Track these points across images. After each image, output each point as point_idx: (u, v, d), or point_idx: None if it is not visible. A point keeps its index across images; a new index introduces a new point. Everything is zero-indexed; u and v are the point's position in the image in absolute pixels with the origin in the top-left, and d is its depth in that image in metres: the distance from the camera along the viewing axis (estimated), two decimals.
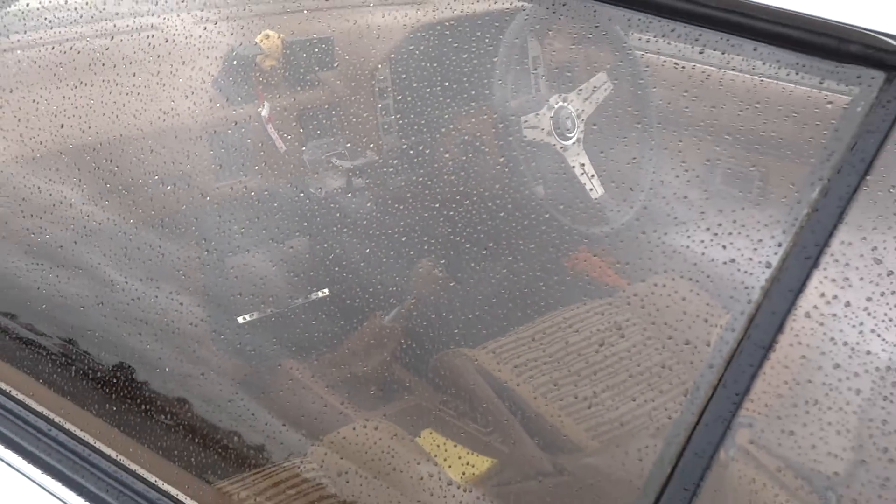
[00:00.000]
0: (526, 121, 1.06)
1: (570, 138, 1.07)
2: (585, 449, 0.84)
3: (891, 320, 0.49)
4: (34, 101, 0.95)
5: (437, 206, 0.92)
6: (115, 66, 0.98)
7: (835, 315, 0.49)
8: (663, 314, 0.75)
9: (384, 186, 1.07)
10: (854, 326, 0.49)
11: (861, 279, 0.50)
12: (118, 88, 0.97)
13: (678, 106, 0.97)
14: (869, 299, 0.49)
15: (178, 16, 1.02)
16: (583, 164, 1.05)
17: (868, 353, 0.46)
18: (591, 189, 1.04)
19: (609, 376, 0.82)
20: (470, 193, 0.92)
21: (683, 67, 0.88)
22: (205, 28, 1.04)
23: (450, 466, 0.79)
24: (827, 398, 0.50)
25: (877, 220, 0.51)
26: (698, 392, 0.54)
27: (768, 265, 0.52)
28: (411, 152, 1.08)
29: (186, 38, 1.00)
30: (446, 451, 0.80)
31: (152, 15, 1.02)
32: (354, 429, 0.81)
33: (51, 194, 0.94)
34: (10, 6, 0.98)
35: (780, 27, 0.56)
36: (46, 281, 0.89)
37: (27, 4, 0.99)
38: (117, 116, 0.96)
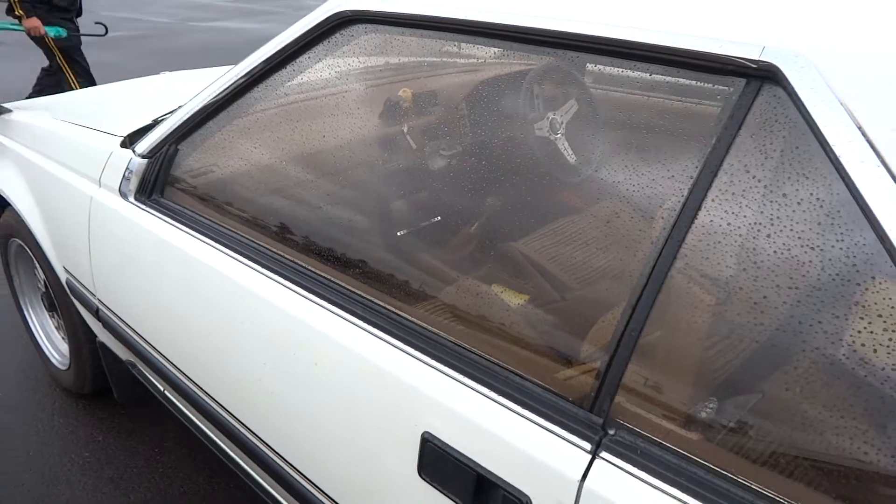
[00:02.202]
0: (538, 127, 1.89)
1: (559, 134, 1.89)
2: (575, 288, 1.29)
3: (738, 219, 0.71)
4: (299, 130, 1.73)
5: (495, 171, 1.43)
6: (330, 114, 1.84)
7: (712, 222, 0.73)
8: (610, 221, 1.12)
9: (467, 164, 1.67)
10: (719, 222, 0.73)
11: (724, 211, 0.73)
12: (332, 124, 1.82)
13: (613, 116, 1.73)
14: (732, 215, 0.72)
15: (358, 84, 1.87)
16: (565, 147, 1.86)
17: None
18: (571, 157, 1.86)
19: (583, 252, 1.37)
20: (511, 165, 1.46)
21: (614, 93, 1.62)
22: (372, 88, 1.92)
23: (508, 299, 1.19)
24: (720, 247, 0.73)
25: (731, 179, 0.74)
26: (641, 253, 0.80)
27: (671, 195, 0.79)
28: (479, 147, 1.62)
29: (363, 94, 1.88)
30: (506, 292, 1.21)
31: (343, 85, 1.73)
32: (466, 286, 1.24)
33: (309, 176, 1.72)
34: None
35: (677, 58, 0.79)
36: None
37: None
38: (334, 138, 1.80)
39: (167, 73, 2.88)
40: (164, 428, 2.11)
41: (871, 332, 0.65)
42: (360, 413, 1.02)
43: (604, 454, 0.76)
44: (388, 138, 1.81)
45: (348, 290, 1.11)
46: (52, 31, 4.21)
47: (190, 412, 1.62)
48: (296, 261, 1.22)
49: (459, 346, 0.95)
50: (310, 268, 1.19)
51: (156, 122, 1.72)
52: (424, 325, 1.00)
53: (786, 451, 0.72)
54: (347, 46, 1.22)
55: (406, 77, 1.94)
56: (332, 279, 1.15)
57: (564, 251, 1.43)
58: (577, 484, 0.76)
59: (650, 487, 0.72)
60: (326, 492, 1.13)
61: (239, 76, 1.31)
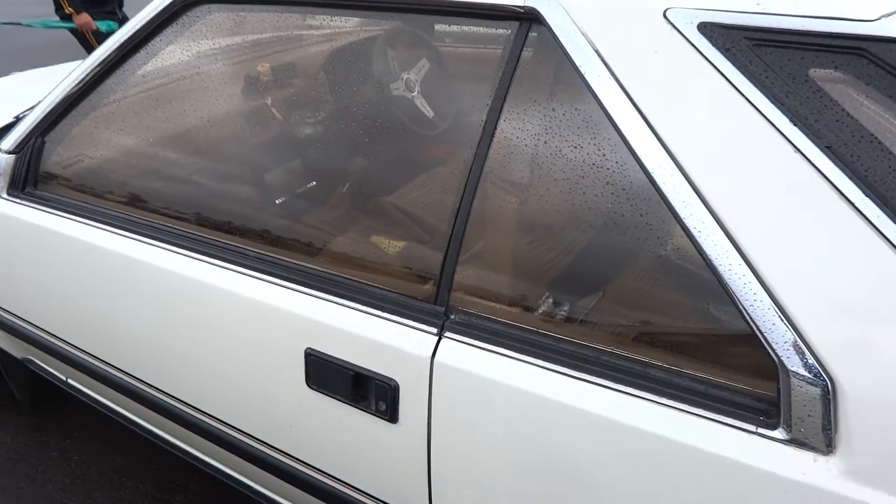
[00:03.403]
0: (394, 87, 2.05)
1: (415, 91, 2.05)
2: (430, 223, 1.34)
3: (524, 133, 0.94)
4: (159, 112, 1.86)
5: (360, 133, 1.55)
6: (193, 94, 1.93)
7: (506, 138, 0.92)
8: (449, 160, 1.44)
9: (333, 129, 1.80)
10: (511, 138, 0.93)
11: (514, 128, 0.93)
12: (195, 104, 1.92)
13: (448, 70, 1.92)
14: (520, 130, 0.94)
15: (216, 63, 1.97)
16: (422, 103, 2.03)
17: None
18: (428, 113, 2.04)
19: (436, 191, 1.53)
20: (374, 126, 1.59)
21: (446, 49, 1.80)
22: (231, 66, 2.03)
23: (387, 246, 1.30)
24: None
25: (516, 103, 0.92)
26: (461, 174, 0.97)
27: (476, 123, 0.95)
28: (342, 112, 1.79)
29: (223, 72, 1.98)
30: (385, 241, 1.31)
31: (202, 65, 1.91)
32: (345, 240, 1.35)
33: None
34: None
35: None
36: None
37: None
38: (200, 117, 1.90)
39: (18, 73, 2.83)
40: (71, 418, 2.16)
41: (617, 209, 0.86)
42: (251, 347, 1.17)
43: (447, 334, 0.96)
44: (253, 113, 1.91)
45: (229, 244, 1.24)
46: (103, 26, 4.21)
47: (96, 393, 1.71)
48: (175, 227, 1.33)
49: (329, 274, 1.12)
50: (192, 231, 1.30)
51: (18, 119, 1.75)
52: (297, 262, 1.16)
53: (591, 312, 0.94)
54: (196, 27, 1.33)
55: (263, 52, 2.04)
56: (215, 238, 1.27)
57: (432, 197, 1.58)
58: (429, 360, 0.95)
59: (484, 352, 0.93)
60: (233, 424, 1.28)
61: (95, 65, 1.39)
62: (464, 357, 0.94)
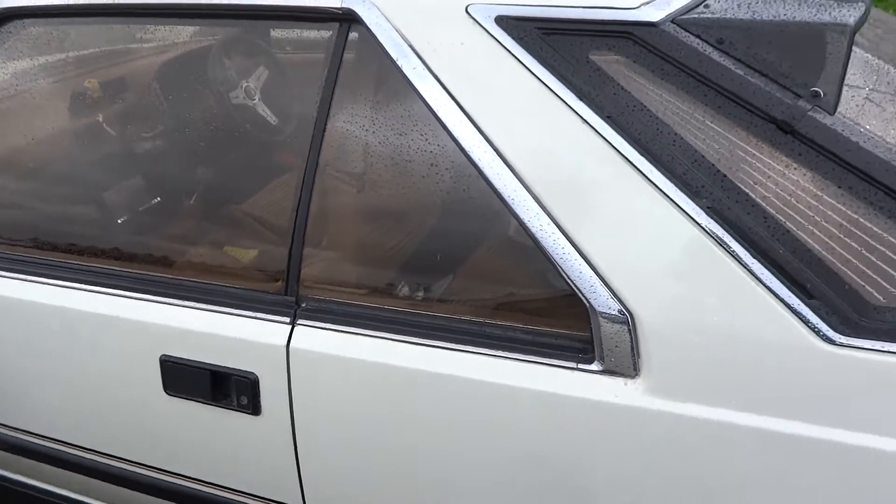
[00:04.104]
0: (233, 96, 2.06)
1: (256, 99, 2.07)
2: (278, 225, 1.26)
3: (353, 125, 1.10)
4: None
5: (202, 144, 1.58)
6: (16, 116, 1.82)
7: (337, 131, 0.98)
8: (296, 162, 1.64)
9: (173, 142, 1.77)
10: (342, 130, 1.12)
11: (343, 122, 1.02)
12: (14, 125, 1.81)
13: (288, 76, 1.96)
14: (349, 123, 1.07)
15: (39, 81, 1.87)
16: (264, 110, 2.06)
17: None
18: (271, 120, 2.07)
19: (283, 194, 1.44)
20: (217, 136, 1.62)
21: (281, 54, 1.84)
22: (56, 83, 1.93)
23: (239, 255, 1.30)
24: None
25: (343, 98, 0.99)
26: (298, 171, 1.02)
27: (310, 121, 1.00)
28: (182, 124, 1.77)
29: (47, 89, 1.89)
30: (239, 251, 1.30)
31: (25, 85, 1.82)
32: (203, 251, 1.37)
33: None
34: None
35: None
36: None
37: None
38: (18, 135, 1.80)
39: None
40: None
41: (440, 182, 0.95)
42: (107, 364, 1.15)
43: (300, 321, 1.01)
44: (84, 131, 1.84)
45: (72, 264, 1.21)
46: None
47: None
48: (9, 252, 1.27)
49: (181, 281, 1.12)
50: (29, 255, 1.25)
51: None
52: (148, 273, 1.15)
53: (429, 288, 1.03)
54: (11, 43, 1.28)
55: (90, 68, 1.97)
56: (55, 259, 1.23)
57: (280, 200, 1.63)
58: (285, 348, 0.99)
59: (336, 333, 0.99)
60: (101, 450, 1.24)
61: None
62: (317, 340, 0.99)
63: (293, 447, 1.04)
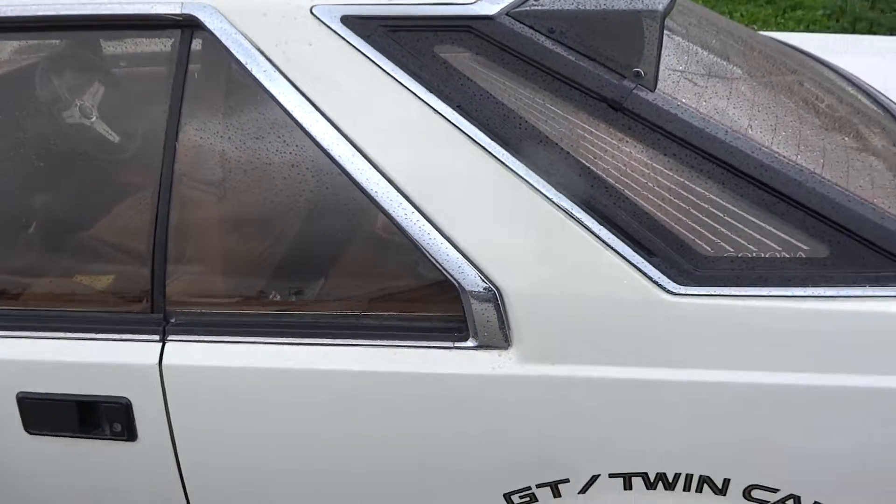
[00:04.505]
0: (68, 115, 1.93)
1: (93, 118, 1.96)
2: (135, 244, 1.20)
3: (207, 132, 1.15)
4: None
5: (36, 170, 1.46)
6: None
7: (190, 139, 0.98)
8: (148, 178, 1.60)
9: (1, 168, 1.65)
10: (195, 137, 1.14)
11: (196, 129, 1.02)
12: None
13: (127, 90, 1.86)
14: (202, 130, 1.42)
15: None
16: (104, 129, 1.95)
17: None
18: (112, 137, 1.96)
19: (137, 212, 1.40)
20: (53, 160, 1.51)
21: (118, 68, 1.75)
22: None
23: (92, 282, 1.21)
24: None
25: (193, 106, 0.98)
26: (152, 187, 1.00)
27: (161, 131, 0.97)
28: (9, 146, 1.56)
29: None
30: (90, 279, 1.21)
31: None
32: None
33: None
34: None
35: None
36: None
37: None
38: None
39: None
40: None
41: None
42: None
43: (171, 337, 0.98)
44: None
45: None
46: None
47: None
48: None
49: (35, 311, 1.05)
50: None
51: None
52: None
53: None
54: None
55: None
56: None
57: (134, 218, 1.55)
58: (157, 367, 0.96)
59: (209, 344, 0.97)
60: None
61: None
62: (192, 354, 0.96)
63: (177, 467, 1.01)
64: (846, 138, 1.11)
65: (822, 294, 0.86)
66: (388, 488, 1.01)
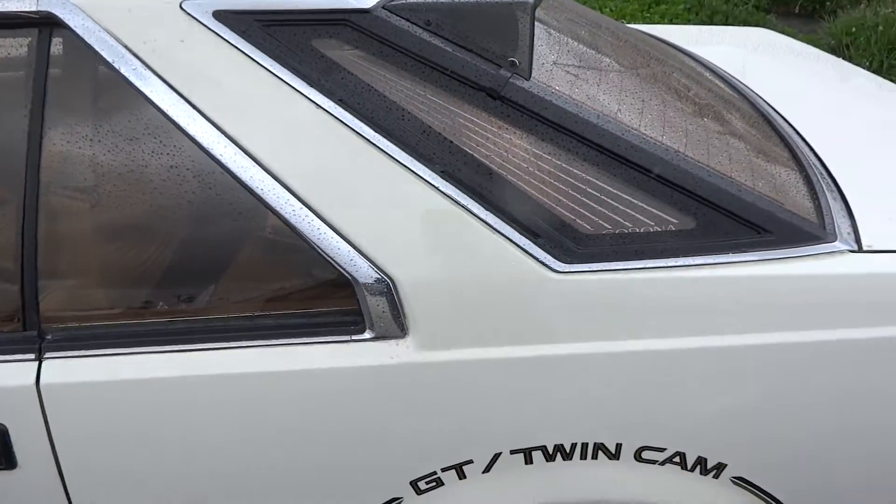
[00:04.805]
0: None
1: None
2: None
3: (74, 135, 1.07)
4: None
5: None
6: None
7: (55, 145, 0.91)
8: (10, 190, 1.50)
9: None
10: (60, 142, 0.92)
11: (61, 133, 0.94)
12: None
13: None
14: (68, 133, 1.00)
15: None
16: None
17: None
18: None
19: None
20: None
21: None
22: None
23: None
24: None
25: (57, 109, 0.91)
26: (16, 200, 0.96)
27: (21, 140, 0.90)
28: None
29: None
30: None
31: None
32: None
33: None
34: None
35: None
36: None
37: None
38: None
39: None
40: None
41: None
42: None
43: (48, 355, 0.92)
44: None
45: None
46: None
47: None
48: None
49: None
50: None
51: None
52: None
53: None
54: None
55: None
56: None
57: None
58: (34, 387, 0.90)
59: (93, 358, 0.92)
60: None
61: None
62: (73, 371, 0.91)
63: (64, 492, 0.95)
64: (706, 120, 1.20)
65: (692, 263, 0.93)
66: (294, 486, 1.00)
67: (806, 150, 1.24)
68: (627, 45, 1.44)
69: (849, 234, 1.00)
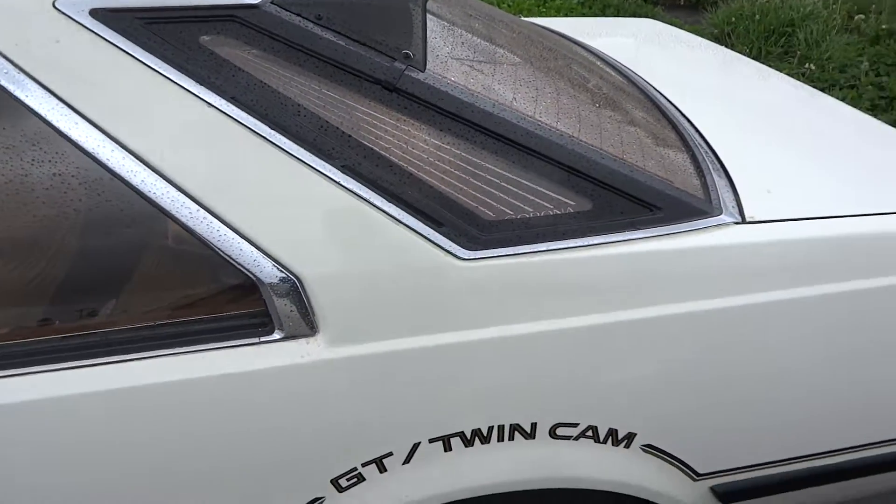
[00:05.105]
0: None
1: None
2: None
3: None
4: None
5: None
6: None
7: None
8: None
9: None
10: None
11: None
12: None
13: None
14: None
15: None
16: None
17: None
18: None
19: None
20: None
21: None
22: None
23: None
24: None
25: None
26: None
27: None
28: None
29: None
30: None
31: None
32: None
33: None
34: None
35: None
36: None
37: None
38: None
39: None
40: None
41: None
42: None
43: None
44: None
45: None
46: None
47: None
48: None
49: None
50: None
51: None
52: None
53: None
54: None
55: None
56: None
57: None
58: None
59: None
60: None
61: None
62: None
63: None
64: (598, 106, 1.25)
65: (591, 242, 0.96)
66: (212, 495, 0.97)
67: (692, 132, 1.32)
68: (522, 37, 1.48)
69: (733, 207, 1.06)
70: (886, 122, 1.59)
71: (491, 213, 0.95)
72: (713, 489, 1.14)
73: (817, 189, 1.17)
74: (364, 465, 0.98)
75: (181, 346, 0.91)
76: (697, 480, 1.12)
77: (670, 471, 1.10)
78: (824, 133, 1.47)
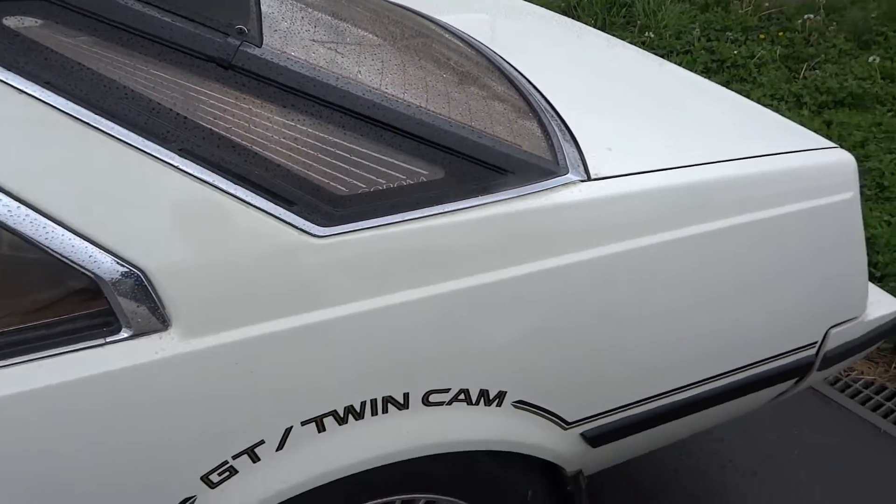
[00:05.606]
0: None
1: None
2: None
3: None
4: None
5: None
6: None
7: None
8: None
9: None
10: None
11: None
12: None
13: None
14: None
15: None
16: None
17: None
18: None
19: None
20: None
21: None
22: None
23: None
24: None
25: None
26: None
27: None
28: None
29: None
30: None
31: None
32: None
33: None
34: None
35: None
36: None
37: None
38: None
39: None
40: None
41: None
42: None
43: None
44: None
45: None
46: None
47: None
48: None
49: None
50: None
51: None
52: None
53: None
54: None
55: None
56: None
57: None
58: None
59: None
60: None
61: None
62: None
63: None
64: (446, 76, 1.26)
65: (445, 210, 0.97)
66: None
67: (539, 98, 1.36)
68: (367, 11, 1.46)
69: (579, 166, 1.11)
70: (718, 83, 1.72)
71: (343, 188, 0.94)
72: (583, 435, 1.20)
73: (654, 144, 1.25)
74: (235, 457, 0.95)
75: (13, 356, 0.83)
76: (568, 429, 1.18)
77: (542, 423, 1.15)
78: (662, 95, 1.56)
